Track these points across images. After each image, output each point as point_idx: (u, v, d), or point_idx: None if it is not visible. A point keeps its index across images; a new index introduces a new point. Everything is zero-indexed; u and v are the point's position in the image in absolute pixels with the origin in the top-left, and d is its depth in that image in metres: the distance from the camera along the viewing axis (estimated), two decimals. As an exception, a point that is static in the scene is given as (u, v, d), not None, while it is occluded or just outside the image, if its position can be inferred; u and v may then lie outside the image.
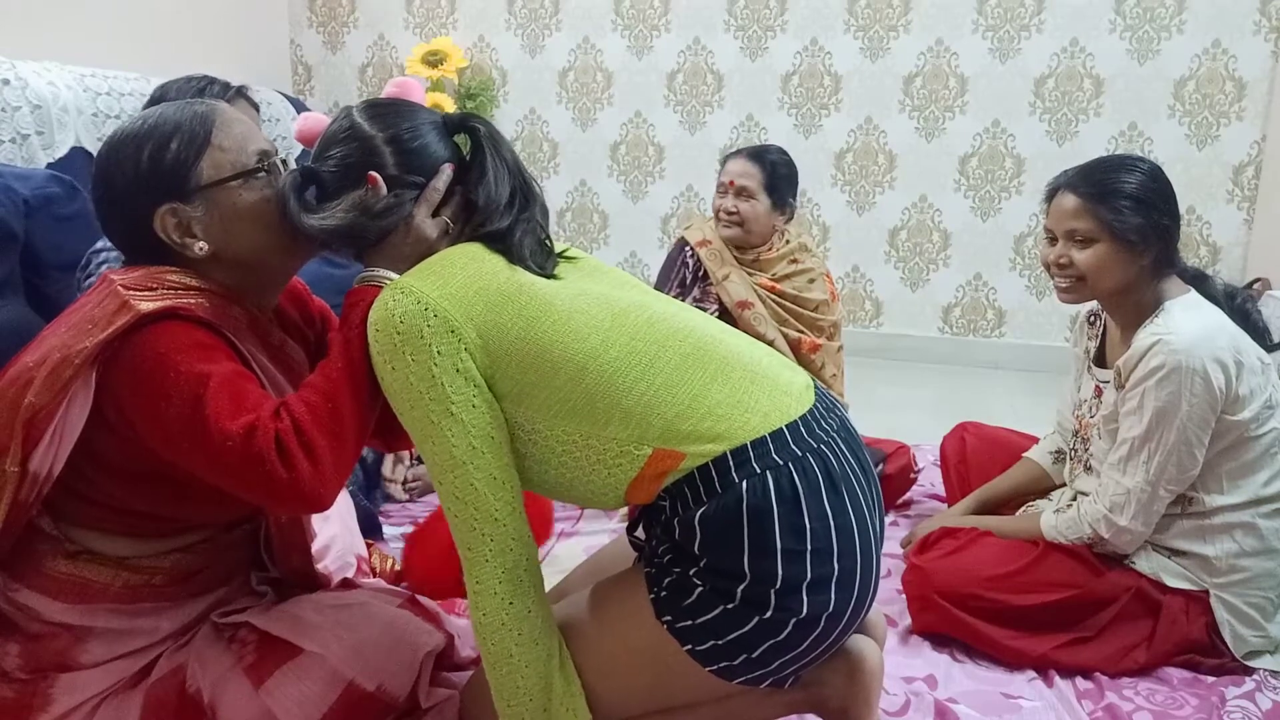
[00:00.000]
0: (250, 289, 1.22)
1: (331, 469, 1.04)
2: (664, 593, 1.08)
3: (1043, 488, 1.95)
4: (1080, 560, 1.65)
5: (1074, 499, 1.82)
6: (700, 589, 1.05)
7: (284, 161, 1.23)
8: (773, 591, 1.03)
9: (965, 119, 3.73)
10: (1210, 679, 1.61)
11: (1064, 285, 1.67)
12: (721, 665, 1.07)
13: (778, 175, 2.36)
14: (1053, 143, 3.67)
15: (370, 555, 1.77)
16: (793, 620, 1.04)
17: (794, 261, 2.42)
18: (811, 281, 2.42)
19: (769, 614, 1.04)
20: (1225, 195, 3.57)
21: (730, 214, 2.35)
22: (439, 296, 1.04)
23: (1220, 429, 1.57)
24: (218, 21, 3.85)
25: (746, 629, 1.05)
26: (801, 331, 2.38)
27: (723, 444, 1.05)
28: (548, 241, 1.20)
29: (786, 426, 1.08)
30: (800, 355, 2.37)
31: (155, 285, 1.12)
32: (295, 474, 1.02)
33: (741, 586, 1.03)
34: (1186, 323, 1.56)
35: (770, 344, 2.33)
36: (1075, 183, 1.64)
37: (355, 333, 1.09)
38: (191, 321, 1.11)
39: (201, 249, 1.15)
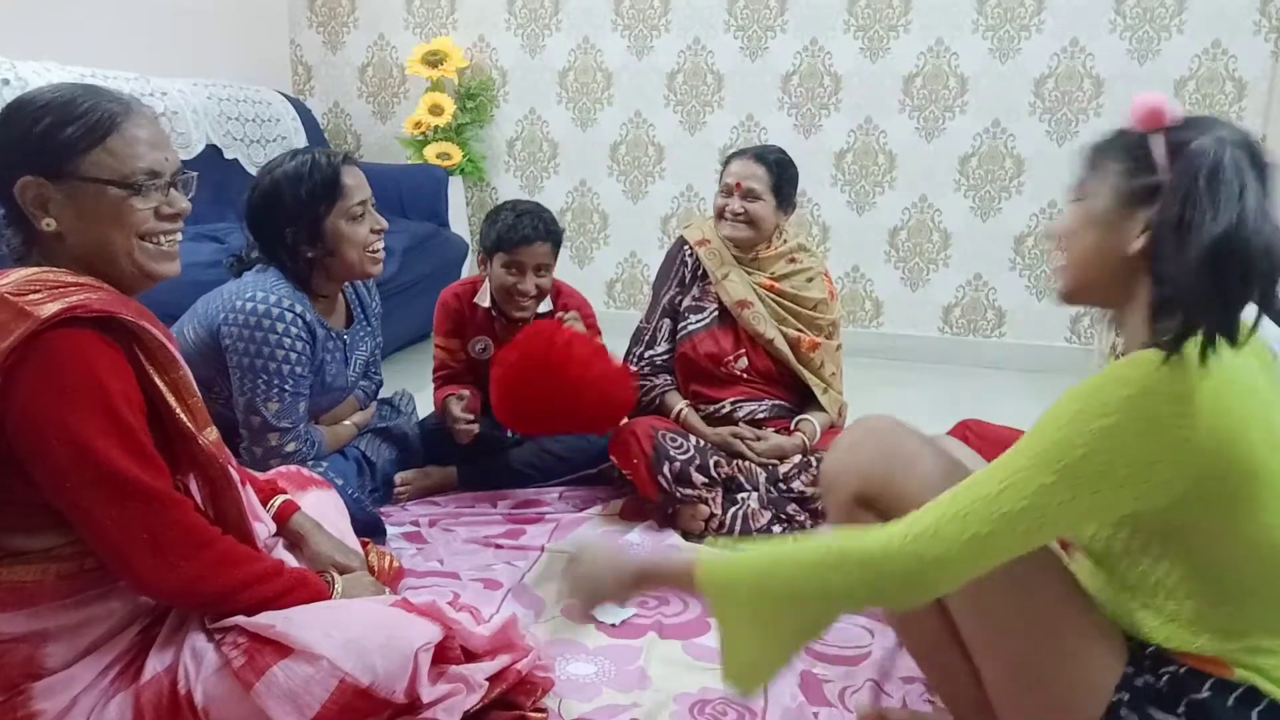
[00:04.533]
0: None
1: (183, 577, 1.19)
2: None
3: None
4: None
5: None
6: None
7: (184, 182, 1.26)
8: None
9: (965, 119, 3.73)
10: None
11: None
12: None
13: (783, 177, 2.36)
14: (1053, 143, 3.67)
15: (368, 555, 1.77)
16: None
17: (792, 260, 2.42)
18: (810, 280, 2.41)
19: None
20: (1226, 195, 3.56)
21: (738, 214, 2.33)
22: (1211, 395, 0.92)
23: None
24: (218, 21, 3.85)
25: None
26: (800, 330, 2.38)
27: (1269, 684, 0.98)
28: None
29: None
30: (799, 354, 2.37)
31: (39, 288, 1.12)
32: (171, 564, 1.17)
33: None
34: None
35: (770, 342, 2.34)
36: None
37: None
38: (95, 327, 1.13)
39: (49, 225, 1.18)
